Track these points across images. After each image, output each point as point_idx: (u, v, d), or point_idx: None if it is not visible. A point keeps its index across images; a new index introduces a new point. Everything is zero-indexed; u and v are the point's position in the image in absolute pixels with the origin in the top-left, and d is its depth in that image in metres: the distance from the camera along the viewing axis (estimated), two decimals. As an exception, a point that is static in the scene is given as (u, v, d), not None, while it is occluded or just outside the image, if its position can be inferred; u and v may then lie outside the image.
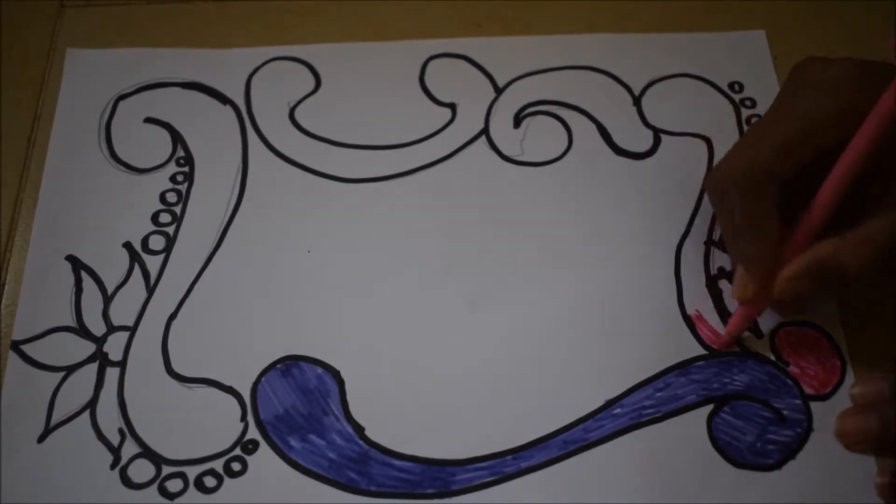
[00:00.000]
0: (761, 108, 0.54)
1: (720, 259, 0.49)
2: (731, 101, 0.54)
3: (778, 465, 0.44)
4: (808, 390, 0.46)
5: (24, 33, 0.56)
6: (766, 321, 0.47)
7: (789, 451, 0.44)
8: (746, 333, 0.47)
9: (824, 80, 0.45)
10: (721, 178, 0.45)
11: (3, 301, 0.48)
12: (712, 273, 0.49)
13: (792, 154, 0.43)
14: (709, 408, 0.45)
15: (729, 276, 0.49)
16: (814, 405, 0.45)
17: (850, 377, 0.46)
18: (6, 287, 0.48)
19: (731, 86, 0.55)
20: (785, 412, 0.45)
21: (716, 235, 0.50)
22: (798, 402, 0.45)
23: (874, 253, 0.42)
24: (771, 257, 0.44)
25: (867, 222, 0.42)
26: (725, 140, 0.53)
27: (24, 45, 0.56)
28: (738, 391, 0.46)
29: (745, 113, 0.54)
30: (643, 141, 0.53)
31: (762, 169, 0.43)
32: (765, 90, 0.54)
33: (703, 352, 0.47)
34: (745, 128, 0.53)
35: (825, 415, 0.45)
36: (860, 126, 0.42)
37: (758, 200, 0.44)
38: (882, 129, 0.41)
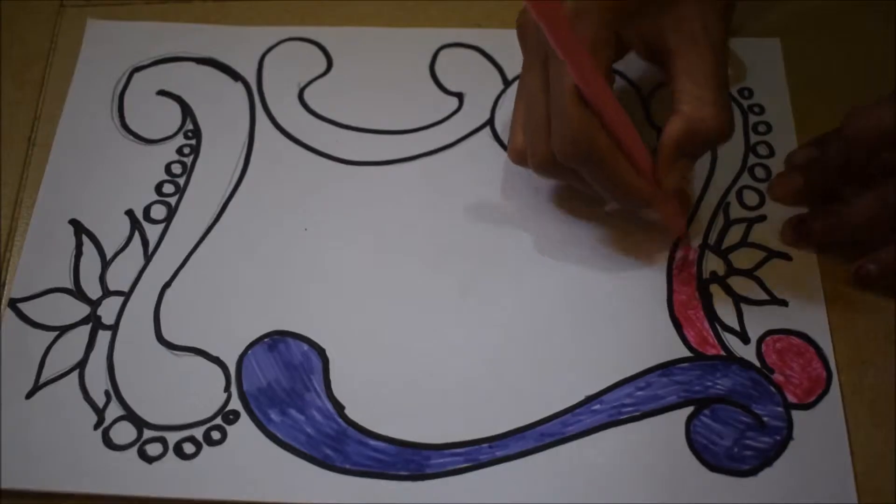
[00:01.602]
0: (769, 115, 0.53)
1: (713, 263, 0.49)
2: (739, 106, 0.54)
3: (753, 472, 0.43)
4: (792, 398, 0.45)
5: (24, 33, 0.57)
6: (754, 328, 0.47)
7: (766, 459, 0.44)
8: (733, 338, 0.47)
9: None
10: (567, 157, 0.44)
11: (11, 264, 0.49)
12: (705, 276, 0.49)
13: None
14: (689, 410, 0.45)
15: (721, 281, 0.48)
16: (796, 413, 0.45)
17: (835, 388, 0.46)
18: (12, 251, 0.49)
19: (740, 91, 0.54)
20: (765, 418, 0.45)
21: (711, 239, 0.50)
22: (780, 409, 0.45)
23: (714, 99, 0.44)
24: (646, 184, 0.45)
25: (688, 89, 0.44)
26: (730, 144, 0.52)
27: (24, 45, 0.57)
28: (719, 395, 0.45)
29: (752, 119, 0.53)
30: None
31: (595, 128, 0.43)
32: (774, 98, 0.54)
33: (687, 353, 0.46)
34: (752, 134, 0.53)
35: (807, 424, 0.45)
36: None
37: (608, 152, 0.44)
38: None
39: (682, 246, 0.49)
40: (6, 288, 0.48)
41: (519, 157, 0.48)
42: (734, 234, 0.50)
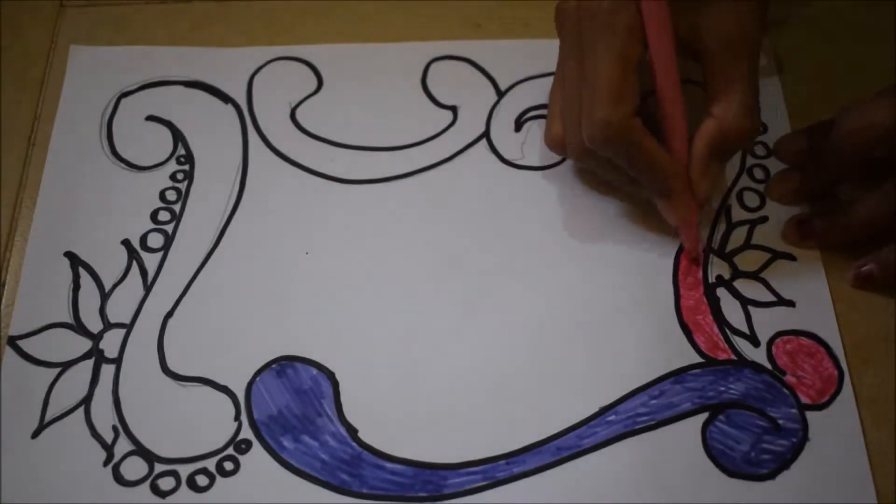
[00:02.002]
0: (764, 115, 0.53)
1: (719, 267, 0.49)
2: (734, 107, 0.54)
3: (772, 475, 0.43)
4: (805, 400, 0.45)
5: (24, 33, 0.57)
6: (763, 330, 0.47)
7: (784, 461, 0.44)
8: (743, 342, 0.47)
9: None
10: (598, 143, 0.44)
11: (3, 301, 0.48)
12: (711, 281, 0.49)
13: (628, 90, 0.44)
14: (704, 416, 0.45)
15: (727, 285, 0.48)
16: (810, 415, 0.45)
17: (847, 387, 0.46)
18: (6, 287, 0.48)
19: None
20: (780, 421, 0.45)
21: (715, 243, 0.50)
22: (794, 411, 0.45)
23: (746, 103, 0.45)
24: (678, 175, 0.46)
25: (722, 92, 0.45)
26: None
27: (24, 45, 0.56)
28: (733, 400, 0.45)
29: (747, 120, 0.53)
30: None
31: (627, 116, 0.43)
32: (768, 98, 0.54)
33: (699, 360, 0.46)
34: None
35: (821, 425, 0.45)
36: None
37: (638, 143, 0.44)
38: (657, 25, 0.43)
39: (689, 261, 0.49)
40: (3, 324, 0.47)
41: (555, 144, 0.49)
42: (737, 237, 0.50)
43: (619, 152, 0.45)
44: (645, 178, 0.46)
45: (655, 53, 0.44)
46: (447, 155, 0.53)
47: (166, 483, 0.44)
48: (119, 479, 0.44)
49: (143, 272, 0.49)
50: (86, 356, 0.47)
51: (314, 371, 0.46)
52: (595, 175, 0.51)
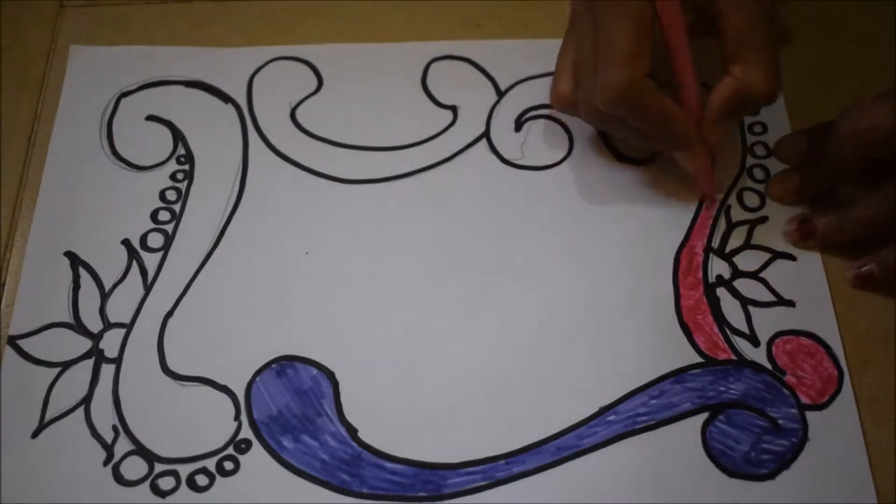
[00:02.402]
0: (764, 115, 0.53)
1: (719, 266, 0.49)
2: (734, 107, 0.54)
3: (772, 475, 0.44)
4: (805, 399, 0.45)
5: (24, 33, 0.56)
6: (763, 330, 0.47)
7: (784, 461, 0.44)
8: (743, 341, 0.47)
9: None
10: (614, 106, 0.45)
11: (3, 301, 0.48)
12: (710, 281, 0.49)
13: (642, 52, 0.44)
14: (703, 416, 0.45)
15: (727, 284, 0.48)
16: (810, 415, 0.45)
17: (847, 387, 0.46)
18: (6, 286, 0.48)
19: (734, 92, 0.54)
20: (780, 421, 0.45)
21: (715, 242, 0.50)
22: (794, 411, 0.45)
23: (768, 63, 0.45)
24: (693, 128, 0.47)
25: (742, 53, 0.45)
26: (727, 147, 0.52)
27: (24, 45, 0.56)
28: (733, 400, 0.45)
29: (747, 120, 0.53)
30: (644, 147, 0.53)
31: (641, 78, 0.44)
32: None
33: (699, 359, 0.46)
34: (748, 135, 0.53)
35: (821, 425, 0.45)
36: None
37: (653, 102, 0.45)
38: None
39: (706, 204, 0.50)
40: (3, 324, 0.47)
41: (563, 104, 0.50)
42: (737, 237, 0.50)
43: (635, 112, 0.45)
44: (662, 134, 0.47)
45: (664, 13, 0.45)
46: (447, 155, 0.53)
47: (166, 483, 0.44)
48: (119, 478, 0.44)
49: (143, 272, 0.49)
50: (86, 356, 0.47)
51: (314, 371, 0.46)
52: (595, 175, 0.51)
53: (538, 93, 0.54)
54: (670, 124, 0.46)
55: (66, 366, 0.46)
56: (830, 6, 0.57)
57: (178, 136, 0.53)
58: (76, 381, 0.46)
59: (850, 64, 0.55)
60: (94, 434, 0.45)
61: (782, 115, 0.53)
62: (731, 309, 0.48)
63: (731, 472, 0.44)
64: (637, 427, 0.45)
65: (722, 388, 0.46)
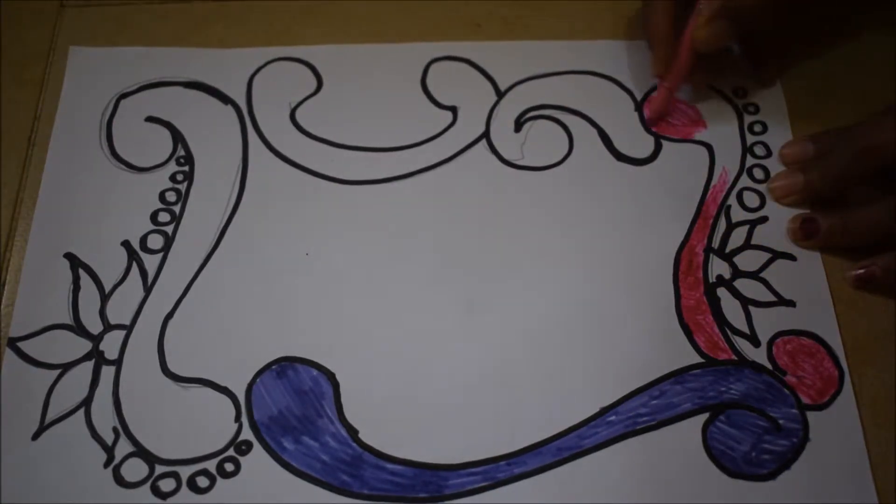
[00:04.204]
0: (764, 115, 0.53)
1: (719, 266, 0.49)
2: (735, 106, 0.54)
3: (772, 475, 0.44)
4: (806, 399, 0.45)
5: (24, 33, 0.57)
6: (764, 330, 0.47)
7: (784, 461, 0.44)
8: (743, 342, 0.47)
9: None
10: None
11: (3, 302, 0.48)
12: (711, 281, 0.49)
13: None
14: (704, 416, 0.45)
15: (727, 284, 0.48)
16: (810, 415, 0.45)
17: (847, 387, 0.46)
18: (6, 287, 0.48)
19: (735, 91, 0.54)
20: (781, 421, 0.45)
21: (715, 242, 0.50)
22: (794, 411, 0.45)
23: None
24: (668, 25, 0.52)
25: None
26: (727, 147, 0.52)
27: (24, 45, 0.56)
28: (733, 400, 0.45)
29: (747, 119, 0.53)
30: (644, 147, 0.53)
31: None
32: (768, 97, 0.54)
33: (699, 360, 0.46)
34: (748, 134, 0.53)
35: (822, 425, 0.45)
36: None
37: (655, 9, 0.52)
38: None
39: (658, 89, 0.54)
40: (3, 326, 0.47)
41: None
42: (737, 237, 0.50)
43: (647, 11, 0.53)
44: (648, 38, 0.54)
45: None
46: (447, 155, 0.53)
47: (167, 484, 0.44)
48: (119, 480, 0.44)
49: (143, 273, 0.49)
50: (86, 357, 0.47)
51: (314, 372, 0.46)
52: (595, 175, 0.51)
53: (538, 93, 0.55)
54: (654, 31, 0.52)
55: (66, 367, 0.46)
56: (831, 10, 0.57)
57: (177, 137, 0.53)
58: (76, 382, 0.46)
59: (850, 66, 0.55)
60: (95, 436, 0.45)
61: (783, 116, 0.53)
62: (732, 309, 0.48)
63: (732, 473, 0.44)
64: (638, 427, 0.45)
65: (722, 389, 0.46)
